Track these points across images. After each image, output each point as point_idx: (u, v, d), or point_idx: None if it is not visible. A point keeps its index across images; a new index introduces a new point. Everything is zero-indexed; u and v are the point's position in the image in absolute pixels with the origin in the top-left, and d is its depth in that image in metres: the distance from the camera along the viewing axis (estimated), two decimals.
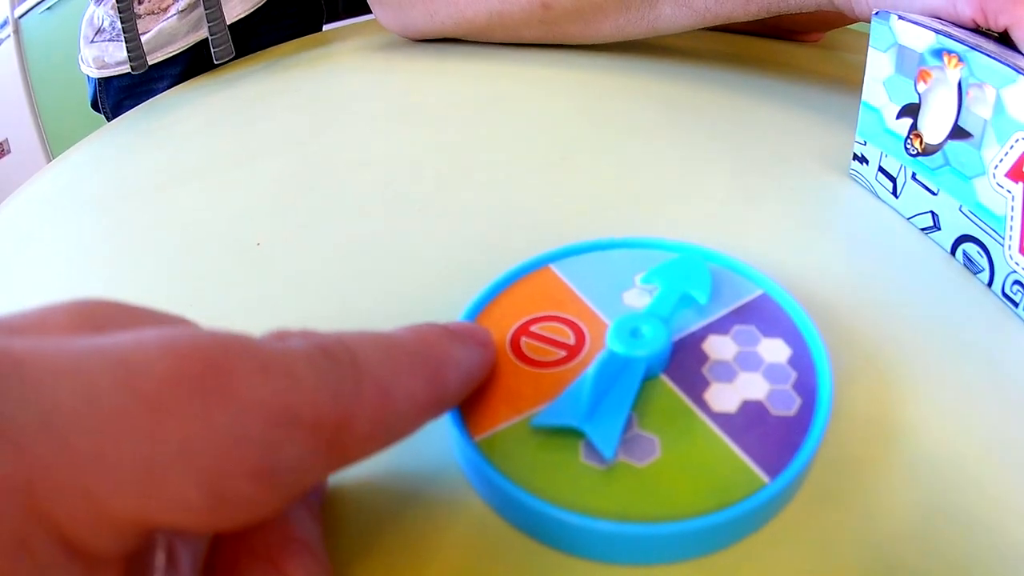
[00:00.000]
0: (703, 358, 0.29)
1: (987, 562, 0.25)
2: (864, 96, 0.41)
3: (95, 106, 0.94)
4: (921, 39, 0.36)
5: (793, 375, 0.28)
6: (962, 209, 0.36)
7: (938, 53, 0.35)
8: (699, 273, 0.32)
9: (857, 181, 0.44)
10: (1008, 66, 0.32)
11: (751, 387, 0.28)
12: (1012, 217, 0.33)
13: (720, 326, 0.30)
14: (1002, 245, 0.34)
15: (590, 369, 0.27)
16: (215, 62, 0.67)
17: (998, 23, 0.36)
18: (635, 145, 0.50)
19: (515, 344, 0.29)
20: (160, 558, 0.19)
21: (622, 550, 0.25)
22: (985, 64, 0.33)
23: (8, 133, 2.73)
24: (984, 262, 0.36)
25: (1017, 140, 0.32)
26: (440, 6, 0.65)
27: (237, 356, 0.17)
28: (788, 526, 0.26)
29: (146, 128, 0.61)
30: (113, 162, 0.58)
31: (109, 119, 0.92)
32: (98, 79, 0.89)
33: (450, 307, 0.31)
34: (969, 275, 0.37)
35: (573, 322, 0.30)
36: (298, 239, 0.43)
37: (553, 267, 0.33)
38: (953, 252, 0.38)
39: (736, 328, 0.30)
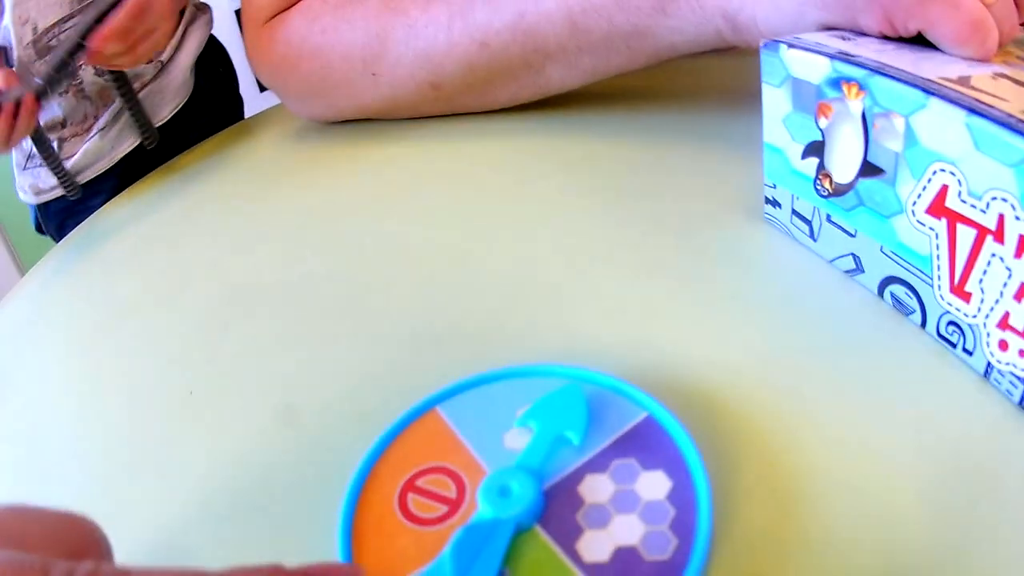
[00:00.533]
0: (578, 503, 0.28)
1: None
2: (765, 137, 0.38)
3: (39, 230, 0.94)
4: (815, 68, 0.33)
5: (672, 512, 0.27)
6: (883, 250, 0.33)
7: (836, 83, 0.32)
8: (576, 408, 0.31)
9: (773, 225, 0.40)
10: (916, 87, 0.28)
11: (626, 531, 0.27)
12: (938, 256, 0.30)
13: (598, 463, 0.29)
14: (931, 286, 0.31)
15: (451, 541, 0.26)
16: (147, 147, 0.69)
17: (908, 29, 0.34)
18: (527, 231, 0.47)
19: (403, 501, 0.29)
20: None
21: None
22: (889, 89, 0.30)
23: None
24: (914, 303, 0.33)
25: (934, 173, 0.29)
26: (338, 98, 0.64)
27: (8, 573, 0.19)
28: None
29: (85, 259, 0.58)
30: (52, 302, 0.54)
31: (56, 240, 0.91)
32: (36, 204, 0.88)
33: (350, 455, 0.31)
34: (900, 318, 0.34)
35: (455, 472, 0.30)
36: (225, 381, 0.40)
37: (439, 409, 0.32)
38: (880, 294, 0.34)
39: (615, 463, 0.29)
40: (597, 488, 0.28)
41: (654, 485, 0.27)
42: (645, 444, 0.29)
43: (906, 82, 0.29)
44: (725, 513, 0.27)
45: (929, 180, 0.29)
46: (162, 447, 0.37)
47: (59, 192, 0.79)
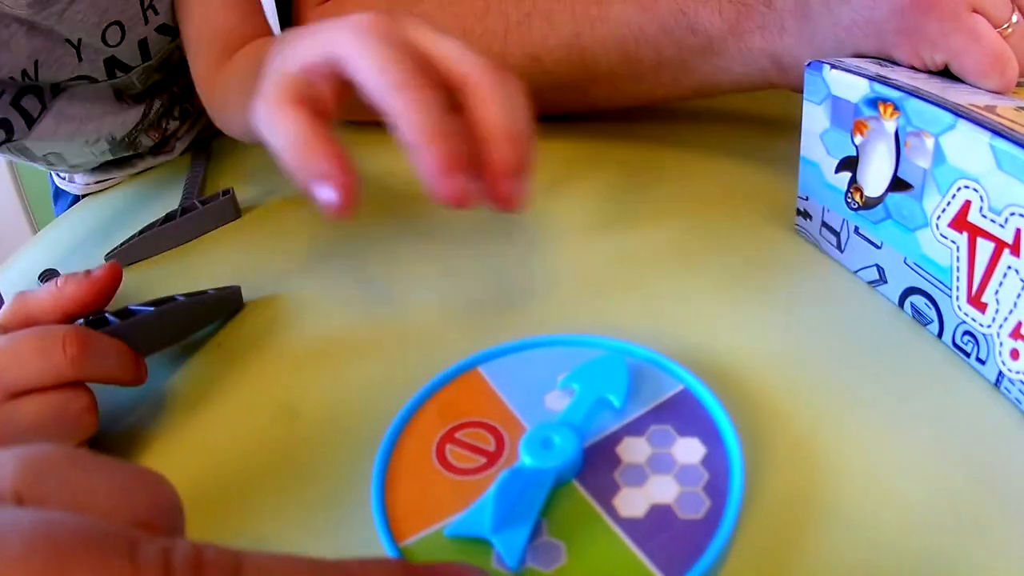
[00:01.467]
0: (616, 462, 0.29)
1: None
2: (803, 151, 0.40)
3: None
4: (855, 89, 0.35)
5: (705, 476, 0.28)
6: (907, 261, 0.35)
7: (873, 103, 0.34)
8: (617, 374, 0.32)
9: (803, 236, 0.42)
10: (946, 110, 0.31)
11: (661, 490, 0.28)
12: (958, 268, 0.32)
13: (636, 427, 0.30)
14: (949, 296, 0.33)
15: (495, 483, 0.27)
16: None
17: (935, 61, 0.36)
18: (573, 225, 0.49)
19: (440, 451, 0.30)
20: None
21: None
22: (921, 110, 0.32)
23: None
24: (933, 313, 0.34)
25: (959, 189, 0.31)
26: None
27: (83, 555, 0.17)
28: None
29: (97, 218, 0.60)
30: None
31: None
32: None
33: (387, 411, 0.32)
34: (919, 327, 0.35)
35: (495, 428, 0.31)
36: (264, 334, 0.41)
37: (481, 369, 0.33)
38: (901, 304, 0.36)
39: (652, 428, 0.30)
40: (635, 449, 0.29)
41: (689, 450, 0.29)
42: (682, 413, 0.31)
43: (938, 104, 0.31)
44: (755, 481, 0.29)
45: (954, 196, 0.31)
46: (198, 394, 0.39)
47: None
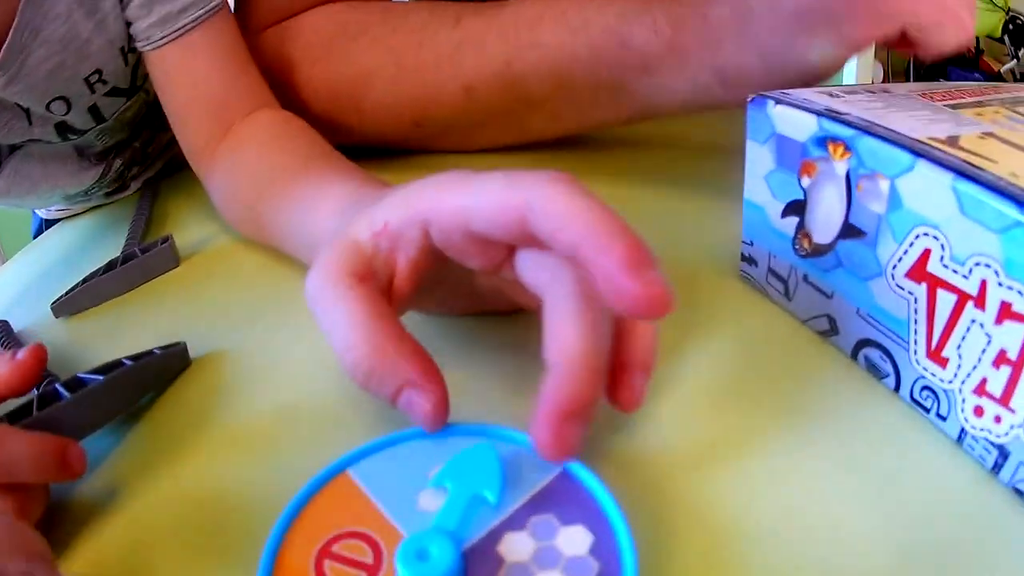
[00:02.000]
0: (499, 562, 0.27)
1: None
2: (746, 193, 0.38)
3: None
4: (802, 127, 0.33)
5: (596, 567, 0.26)
6: (860, 312, 0.33)
7: (821, 142, 0.32)
8: (489, 466, 0.30)
9: (749, 282, 0.40)
10: (903, 149, 0.28)
11: None
12: (916, 320, 0.30)
13: (516, 521, 0.28)
14: (907, 350, 0.31)
15: None
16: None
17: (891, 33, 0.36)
18: None
19: (319, 570, 0.27)
20: None
21: None
22: (876, 149, 0.29)
23: None
24: (889, 367, 0.32)
25: (917, 236, 0.29)
26: (320, 131, 0.62)
27: None
28: None
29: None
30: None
31: None
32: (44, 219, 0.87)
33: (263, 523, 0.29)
34: (873, 381, 0.33)
35: (371, 537, 0.28)
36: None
37: (350, 472, 0.31)
38: (855, 357, 0.34)
39: (533, 520, 0.28)
40: (517, 546, 0.27)
41: (575, 540, 0.27)
42: (562, 499, 0.28)
43: (894, 143, 0.29)
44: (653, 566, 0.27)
45: (911, 244, 0.29)
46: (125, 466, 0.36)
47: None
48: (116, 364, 0.39)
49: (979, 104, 0.34)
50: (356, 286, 0.31)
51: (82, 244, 0.65)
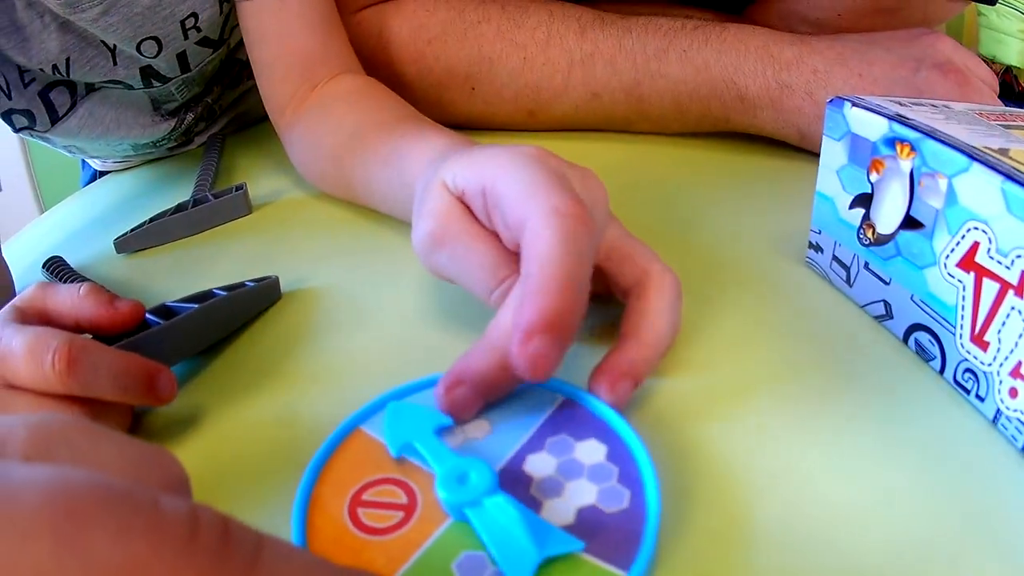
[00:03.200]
0: (528, 480, 0.29)
1: None
2: (818, 185, 0.41)
3: None
4: (874, 127, 0.36)
5: (615, 470, 0.29)
6: (913, 298, 0.36)
7: (891, 142, 0.35)
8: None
9: (813, 268, 0.43)
10: (961, 153, 0.31)
11: (580, 494, 0.29)
12: (963, 307, 0.33)
13: (533, 445, 0.31)
14: (953, 334, 0.34)
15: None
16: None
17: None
18: None
19: (354, 517, 0.28)
20: None
21: None
22: (937, 152, 0.33)
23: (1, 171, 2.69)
24: (936, 350, 0.35)
25: (968, 230, 0.32)
26: (425, 103, 0.65)
27: (103, 511, 0.16)
28: None
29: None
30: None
31: None
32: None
33: (284, 488, 0.30)
34: (921, 363, 0.36)
35: (400, 480, 0.30)
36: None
37: (364, 428, 0.32)
38: (906, 340, 0.37)
39: (549, 441, 0.31)
40: (541, 464, 0.30)
41: (592, 451, 0.30)
42: (571, 421, 0.31)
43: (953, 147, 0.32)
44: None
45: (963, 236, 0.32)
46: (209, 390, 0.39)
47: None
48: (208, 295, 0.39)
49: None
50: (475, 222, 0.35)
51: (137, 193, 0.66)
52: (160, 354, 0.35)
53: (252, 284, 0.42)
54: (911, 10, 0.64)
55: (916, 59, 0.52)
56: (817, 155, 0.41)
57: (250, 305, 0.42)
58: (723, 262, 0.45)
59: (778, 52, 0.56)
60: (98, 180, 0.74)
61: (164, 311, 0.38)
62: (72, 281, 0.48)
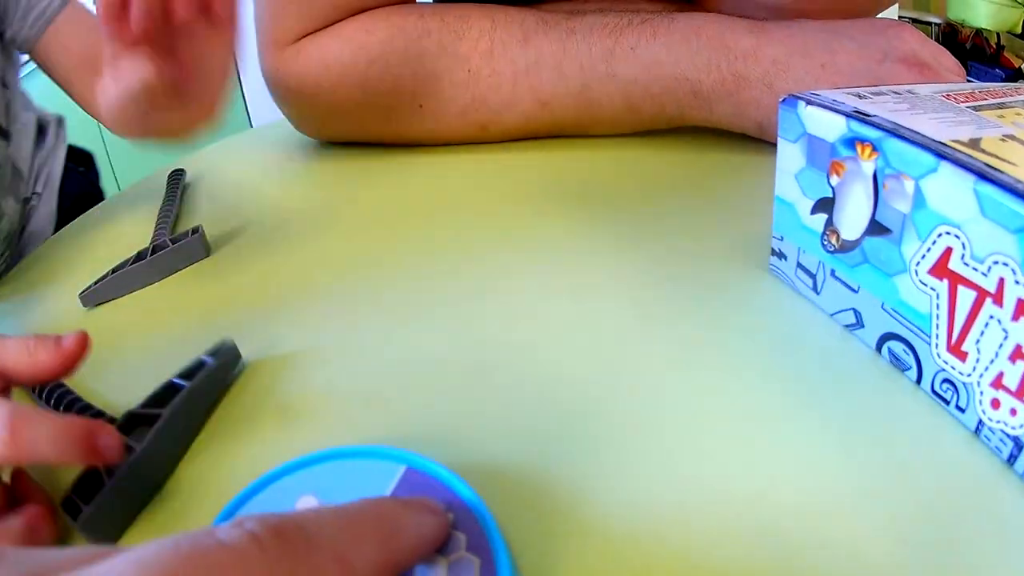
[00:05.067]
0: None
1: None
2: (777, 190, 0.38)
3: None
4: (831, 127, 0.33)
5: (463, 538, 0.27)
6: (884, 307, 0.33)
7: (850, 142, 0.32)
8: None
9: (778, 276, 0.40)
10: (928, 151, 0.29)
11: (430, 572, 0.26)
12: (938, 316, 0.30)
13: None
14: (928, 343, 0.31)
15: None
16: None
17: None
18: (532, 253, 0.47)
19: None
20: None
21: None
22: (902, 151, 0.30)
23: None
24: (911, 360, 0.33)
25: (940, 235, 0.29)
26: (372, 124, 0.66)
27: (195, 567, 0.19)
28: None
29: None
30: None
31: None
32: None
33: None
34: (896, 373, 0.34)
35: None
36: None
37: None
38: (878, 350, 0.35)
39: None
40: None
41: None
42: (416, 489, 0.29)
43: (919, 145, 0.29)
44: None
45: (934, 242, 0.29)
46: None
47: None
48: (171, 388, 0.36)
49: (1000, 106, 0.34)
50: None
51: (104, 236, 0.64)
52: (150, 477, 0.34)
53: (210, 360, 0.39)
54: None
55: (882, 50, 0.50)
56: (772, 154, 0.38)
57: (215, 384, 0.39)
58: (681, 272, 0.43)
59: (733, 42, 0.53)
60: (66, 227, 0.71)
61: (131, 419, 0.36)
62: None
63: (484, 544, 0.26)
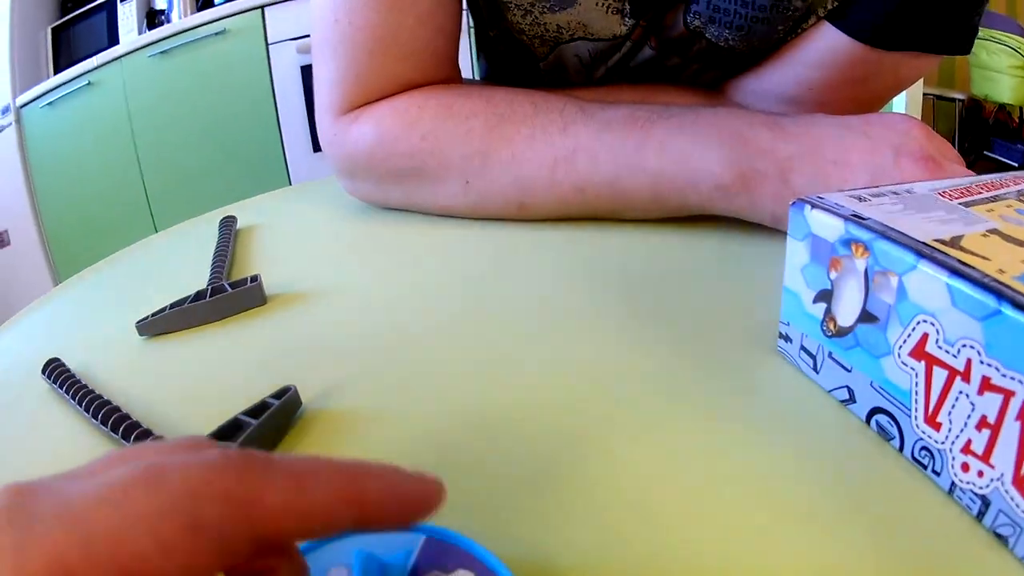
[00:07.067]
0: None
1: None
2: (785, 281, 0.43)
3: None
4: (832, 229, 0.39)
5: None
6: (873, 384, 0.38)
7: (847, 243, 0.38)
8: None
9: (784, 356, 0.45)
10: (910, 251, 0.34)
11: None
12: (916, 392, 0.35)
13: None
14: (909, 416, 0.36)
15: None
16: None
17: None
18: (556, 329, 0.52)
19: None
20: None
21: None
22: (887, 251, 0.35)
23: (8, 224, 2.68)
24: (895, 430, 0.37)
25: (918, 323, 0.34)
26: (420, 195, 0.70)
27: (173, 464, 0.23)
28: None
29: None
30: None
31: None
32: None
33: None
34: (882, 442, 0.38)
35: None
36: None
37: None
38: (868, 422, 0.39)
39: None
40: None
41: None
42: (439, 556, 0.30)
43: (903, 245, 0.34)
44: None
45: (913, 328, 0.35)
46: None
47: None
48: (236, 424, 0.37)
49: (993, 199, 0.39)
50: None
51: (147, 272, 0.68)
52: None
53: (274, 402, 0.40)
54: (882, 77, 0.66)
55: (893, 146, 0.53)
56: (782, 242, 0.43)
57: (276, 427, 0.40)
58: (700, 349, 0.47)
59: (752, 136, 0.57)
60: (115, 254, 0.75)
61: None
62: (76, 389, 0.47)
63: None
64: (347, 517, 0.25)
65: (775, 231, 0.59)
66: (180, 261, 0.70)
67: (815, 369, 0.43)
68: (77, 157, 2.93)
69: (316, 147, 3.01)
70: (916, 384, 0.35)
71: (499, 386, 0.46)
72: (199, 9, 3.09)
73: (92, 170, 2.94)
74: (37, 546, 0.21)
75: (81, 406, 0.45)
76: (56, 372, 0.50)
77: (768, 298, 0.49)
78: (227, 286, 0.58)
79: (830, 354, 0.41)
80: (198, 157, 3.06)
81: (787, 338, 0.44)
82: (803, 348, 0.43)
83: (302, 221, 0.78)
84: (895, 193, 0.41)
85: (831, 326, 0.40)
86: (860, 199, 0.40)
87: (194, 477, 0.23)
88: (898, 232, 0.36)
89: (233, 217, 0.77)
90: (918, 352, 0.35)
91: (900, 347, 0.36)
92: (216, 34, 2.99)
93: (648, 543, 0.34)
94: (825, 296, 0.40)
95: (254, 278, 0.59)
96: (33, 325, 0.62)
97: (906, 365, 0.35)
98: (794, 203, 0.42)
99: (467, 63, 0.75)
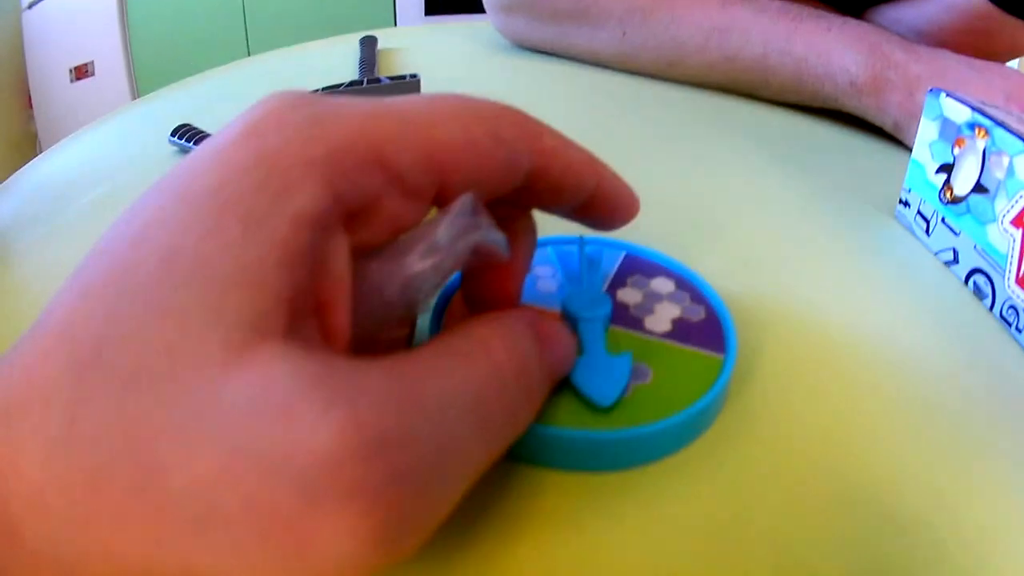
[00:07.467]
0: (625, 306, 0.37)
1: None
2: (914, 154, 0.50)
3: None
4: (960, 114, 0.45)
5: (687, 295, 0.38)
6: (976, 247, 0.45)
7: (972, 126, 0.44)
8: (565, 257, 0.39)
9: (900, 220, 0.52)
10: (1020, 139, 0.40)
11: (668, 311, 0.37)
12: (1012, 255, 0.42)
13: (617, 283, 0.38)
14: (1003, 276, 0.43)
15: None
16: None
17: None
18: (697, 157, 0.58)
19: None
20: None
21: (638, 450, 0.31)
22: (1004, 137, 0.41)
23: (95, 56, 2.61)
24: (988, 290, 0.44)
25: (1021, 196, 0.41)
26: (575, 35, 0.74)
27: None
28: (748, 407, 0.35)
29: None
30: None
31: None
32: None
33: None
34: (976, 300, 0.44)
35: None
36: None
37: None
38: (966, 282, 0.46)
39: (629, 279, 0.39)
40: (629, 295, 0.37)
41: (663, 284, 0.38)
42: (638, 268, 0.38)
43: (1016, 134, 0.41)
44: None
45: (1017, 200, 0.41)
46: None
47: None
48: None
49: None
50: None
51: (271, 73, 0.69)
52: None
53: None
54: (1002, 38, 0.70)
55: (1005, 92, 0.58)
56: (903, 144, 0.50)
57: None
58: (828, 210, 0.53)
59: (889, 52, 0.61)
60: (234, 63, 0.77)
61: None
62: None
63: (703, 298, 0.36)
64: (589, 185, 0.28)
65: (891, 138, 0.64)
66: (306, 75, 0.66)
67: (927, 232, 0.49)
68: None
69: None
70: (1012, 248, 0.42)
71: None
72: None
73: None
74: (346, 121, 0.22)
75: None
76: (188, 134, 0.50)
77: (887, 171, 0.55)
78: (384, 79, 0.53)
79: (943, 219, 0.48)
80: None
81: (906, 203, 0.51)
82: (919, 213, 0.50)
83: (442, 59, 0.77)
84: (1009, 113, 0.46)
85: (948, 194, 0.47)
86: (983, 103, 0.46)
87: (496, 104, 0.25)
88: (1014, 127, 0.42)
89: (374, 37, 0.72)
90: (1018, 220, 0.41)
91: (1004, 215, 0.42)
92: None
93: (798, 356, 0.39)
94: (946, 168, 0.47)
95: (413, 75, 0.54)
96: (144, 111, 0.59)
97: (1007, 231, 0.42)
98: (931, 89, 0.47)
99: None
